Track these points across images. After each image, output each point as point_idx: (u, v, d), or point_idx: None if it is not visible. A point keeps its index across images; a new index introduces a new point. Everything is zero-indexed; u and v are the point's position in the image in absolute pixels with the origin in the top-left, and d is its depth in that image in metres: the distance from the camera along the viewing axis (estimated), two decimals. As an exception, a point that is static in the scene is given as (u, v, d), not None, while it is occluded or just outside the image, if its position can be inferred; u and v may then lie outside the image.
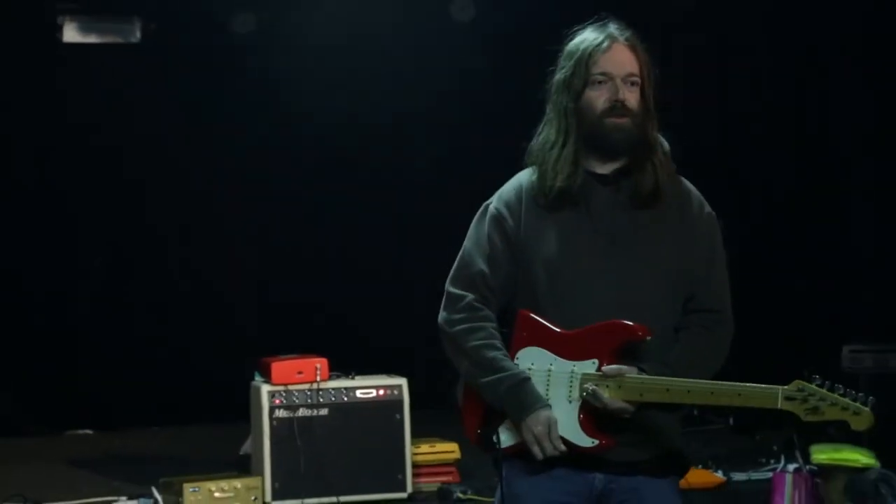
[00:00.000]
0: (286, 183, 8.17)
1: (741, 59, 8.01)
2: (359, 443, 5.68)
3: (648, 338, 3.10)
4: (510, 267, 3.21)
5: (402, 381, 5.78)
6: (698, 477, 5.83)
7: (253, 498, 5.55)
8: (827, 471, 5.92)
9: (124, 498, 5.76)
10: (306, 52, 7.98)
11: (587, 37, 3.21)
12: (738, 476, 6.10)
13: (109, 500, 5.77)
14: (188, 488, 5.49)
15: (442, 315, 3.27)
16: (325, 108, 8.05)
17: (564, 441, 3.11)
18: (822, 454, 5.94)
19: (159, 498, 5.66)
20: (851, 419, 2.99)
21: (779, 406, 3.02)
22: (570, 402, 3.12)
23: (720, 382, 3.06)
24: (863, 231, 7.70)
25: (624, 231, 3.17)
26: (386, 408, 5.73)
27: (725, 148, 7.95)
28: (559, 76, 3.22)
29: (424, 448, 5.88)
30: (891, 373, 6.48)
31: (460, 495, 5.71)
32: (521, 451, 3.15)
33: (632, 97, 3.17)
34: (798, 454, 6.15)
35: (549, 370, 3.15)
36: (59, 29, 7.61)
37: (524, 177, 3.27)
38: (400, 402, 5.73)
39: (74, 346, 7.90)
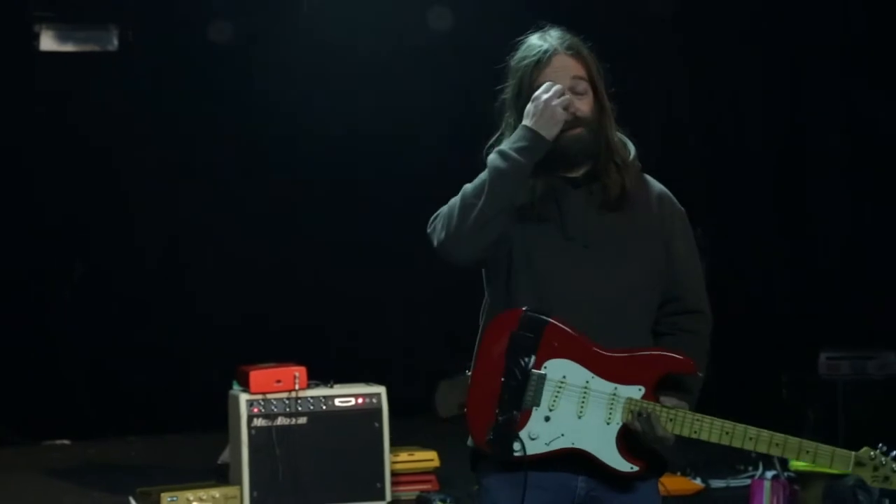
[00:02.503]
0: (263, 191, 8.16)
1: (717, 63, 8.03)
2: (337, 451, 5.67)
3: (700, 374, 3.12)
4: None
5: (381, 390, 5.77)
6: (677, 484, 5.84)
7: (231, 507, 5.53)
8: (805, 477, 5.94)
9: (102, 507, 5.74)
10: (283, 60, 7.98)
11: (528, 52, 3.17)
12: (717, 483, 6.12)
13: (87, 509, 5.76)
14: (166, 498, 5.47)
15: (434, 239, 3.13)
16: (303, 117, 8.06)
17: (595, 459, 3.07)
18: (800, 461, 5.95)
19: (137, 507, 5.64)
20: None
21: (849, 470, 3.06)
22: (609, 424, 3.08)
23: (786, 437, 3.09)
24: (840, 238, 7.74)
25: (595, 234, 3.16)
26: (365, 416, 5.72)
27: (703, 154, 7.97)
28: (506, 96, 3.20)
29: (403, 456, 5.88)
30: (867, 380, 6.51)
31: (439, 503, 5.70)
32: (504, 463, 3.10)
33: (582, 104, 3.15)
34: (776, 461, 6.17)
35: (587, 388, 3.09)
36: (36, 37, 7.58)
37: None
38: (379, 411, 5.72)
39: (51, 355, 7.87)
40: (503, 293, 3.19)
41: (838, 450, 3.06)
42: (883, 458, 3.04)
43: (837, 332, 7.23)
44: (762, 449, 3.09)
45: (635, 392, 3.09)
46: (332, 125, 8.05)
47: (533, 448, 3.09)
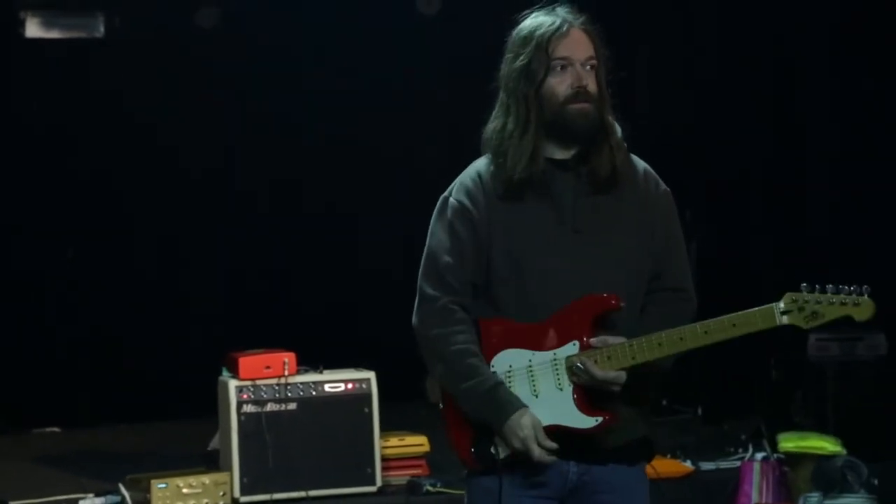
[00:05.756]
0: (253, 175, 8.14)
1: (709, 41, 8.02)
2: (327, 437, 5.67)
3: (623, 304, 3.09)
4: (478, 257, 3.18)
5: (371, 375, 5.77)
6: (667, 466, 5.84)
7: (221, 493, 5.53)
8: (794, 459, 5.95)
9: (91, 495, 5.72)
10: (271, 46, 7.96)
11: (542, 22, 3.17)
12: (707, 465, 6.13)
13: (76, 497, 5.73)
14: (156, 484, 5.46)
15: (416, 318, 3.24)
16: (290, 102, 8.03)
17: (564, 429, 3.08)
18: (790, 442, 5.97)
19: (126, 495, 5.63)
20: (853, 311, 2.98)
21: (778, 323, 3.01)
22: (561, 389, 3.09)
23: (711, 320, 3.05)
24: (830, 218, 7.74)
25: (586, 218, 3.15)
26: (354, 401, 5.72)
27: (692, 131, 7.95)
28: (517, 64, 3.17)
29: (393, 441, 5.87)
30: (857, 361, 6.51)
31: (429, 488, 5.70)
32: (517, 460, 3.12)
33: (592, 82, 3.16)
34: (765, 443, 6.18)
35: (530, 366, 3.11)
36: (22, 24, 7.54)
37: (481, 165, 3.24)
38: (368, 396, 5.72)
39: (41, 342, 7.85)
40: (488, 278, 3.17)
41: (760, 308, 3.02)
42: (806, 296, 2.99)
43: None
44: (693, 344, 3.05)
45: (571, 349, 3.10)
46: (324, 108, 8.02)
47: (508, 448, 3.12)
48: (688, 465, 6.07)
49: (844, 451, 5.90)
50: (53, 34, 7.66)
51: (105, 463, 6.49)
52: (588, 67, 3.16)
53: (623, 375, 3.07)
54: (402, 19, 8.02)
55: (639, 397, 3.20)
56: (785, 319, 3.01)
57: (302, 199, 8.20)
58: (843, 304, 2.98)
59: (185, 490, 5.48)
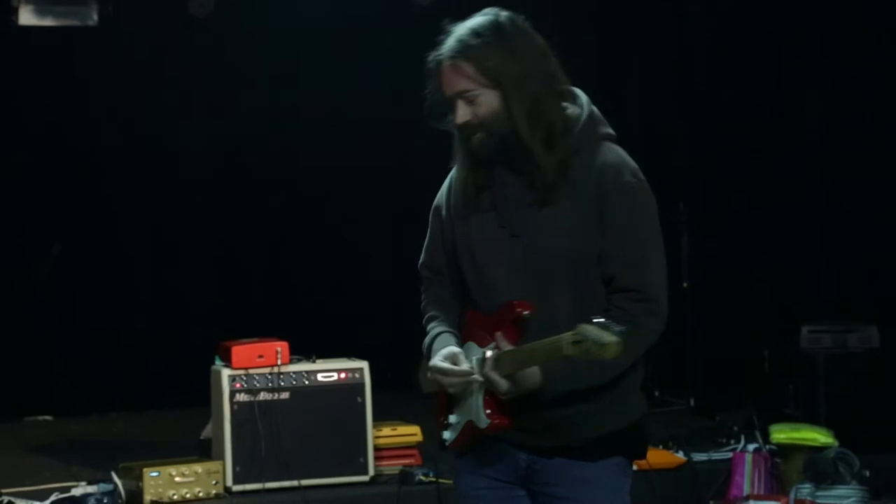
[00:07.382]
0: (244, 167, 8.14)
1: (703, 36, 8.03)
2: (320, 426, 5.67)
3: (526, 312, 3.04)
4: (446, 254, 3.29)
5: (364, 364, 5.77)
6: (659, 457, 5.86)
7: (214, 482, 5.53)
8: (786, 450, 5.97)
9: (83, 483, 5.71)
10: (265, 35, 7.95)
11: (433, 56, 3.17)
12: (699, 456, 6.14)
13: (68, 485, 5.73)
14: (148, 473, 5.46)
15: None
16: (284, 92, 8.03)
17: (472, 425, 3.15)
18: (781, 434, 5.99)
19: (119, 483, 5.62)
20: (600, 351, 2.81)
21: (565, 353, 2.89)
22: (480, 387, 3.13)
23: (545, 340, 2.96)
24: (822, 211, 7.75)
25: (523, 222, 3.11)
26: (347, 391, 5.72)
27: (686, 129, 7.96)
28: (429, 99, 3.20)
29: (386, 431, 5.88)
30: (849, 352, 6.53)
31: (422, 478, 5.71)
32: (465, 446, 3.21)
33: (475, 109, 3.08)
34: (757, 434, 6.20)
35: (474, 360, 3.17)
36: (15, 12, 7.53)
37: (454, 171, 3.29)
38: (361, 386, 5.73)
39: (33, 331, 7.85)
40: (462, 280, 3.25)
41: (556, 338, 2.92)
42: (587, 327, 2.84)
43: (820, 306, 7.25)
44: (537, 361, 3.01)
45: (488, 352, 3.09)
46: (319, 100, 8.02)
47: (450, 435, 3.22)
48: (680, 456, 6.08)
49: (836, 443, 5.91)
50: (47, 22, 7.63)
51: (97, 451, 6.49)
52: (466, 100, 3.08)
53: (502, 383, 3.03)
54: (395, 8, 8.00)
55: (588, 397, 3.10)
56: (570, 350, 2.89)
57: (296, 190, 8.19)
58: (600, 344, 2.81)
59: (177, 479, 5.48)
